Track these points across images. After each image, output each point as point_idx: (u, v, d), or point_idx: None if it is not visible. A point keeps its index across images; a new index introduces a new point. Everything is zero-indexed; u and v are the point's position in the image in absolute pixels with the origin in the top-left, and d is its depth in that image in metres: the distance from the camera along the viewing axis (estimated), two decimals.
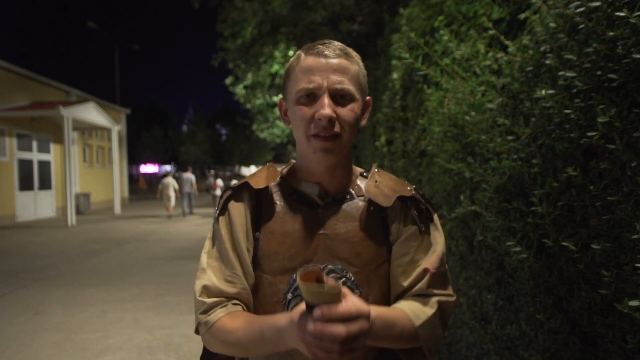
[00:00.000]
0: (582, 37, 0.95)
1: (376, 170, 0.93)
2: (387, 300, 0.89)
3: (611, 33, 0.84)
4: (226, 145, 44.65)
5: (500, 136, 1.30)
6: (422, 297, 0.85)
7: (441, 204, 1.90)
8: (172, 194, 13.23)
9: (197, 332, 0.85)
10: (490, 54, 1.56)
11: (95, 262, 6.39)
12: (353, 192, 0.90)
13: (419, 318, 0.80)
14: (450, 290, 0.88)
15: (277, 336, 0.71)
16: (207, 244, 0.90)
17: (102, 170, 17.57)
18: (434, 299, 0.84)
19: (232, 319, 0.79)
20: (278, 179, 0.90)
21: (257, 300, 0.87)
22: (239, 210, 0.88)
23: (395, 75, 2.97)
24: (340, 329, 0.59)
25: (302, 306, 0.64)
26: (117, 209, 14.29)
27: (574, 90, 0.94)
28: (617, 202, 0.83)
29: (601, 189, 0.87)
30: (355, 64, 0.84)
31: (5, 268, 5.97)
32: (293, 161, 0.96)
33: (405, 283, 0.85)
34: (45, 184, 13.46)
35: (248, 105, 12.61)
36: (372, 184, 0.89)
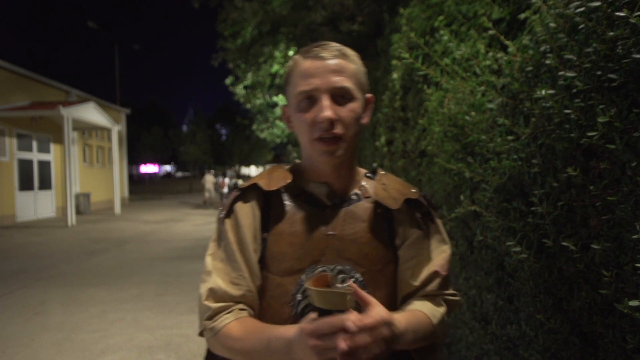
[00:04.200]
0: (582, 37, 0.95)
1: (382, 172, 0.95)
2: (392, 299, 0.89)
3: (611, 33, 0.84)
4: (226, 145, 44.60)
5: (500, 136, 1.30)
6: (433, 297, 0.88)
7: (441, 204, 1.89)
8: (210, 186, 16.80)
9: (201, 335, 0.85)
10: (490, 54, 1.56)
11: (95, 262, 6.39)
12: (359, 192, 0.90)
13: (435, 317, 0.84)
14: (452, 290, 0.93)
15: (284, 348, 0.70)
16: (212, 246, 0.88)
17: (102, 170, 17.55)
18: (443, 298, 0.90)
19: (238, 326, 0.79)
20: (289, 180, 0.88)
21: (264, 302, 0.86)
22: (246, 212, 0.87)
23: (395, 75, 2.97)
24: (365, 339, 0.60)
25: (312, 315, 0.64)
26: (117, 209, 14.28)
27: (574, 90, 0.94)
28: (617, 202, 0.83)
29: (601, 189, 0.87)
30: (353, 62, 0.84)
31: (5, 268, 5.96)
32: (298, 161, 0.95)
33: (416, 283, 0.88)
34: (45, 184, 13.45)
35: (248, 106, 12.59)
36: (380, 187, 0.90)
